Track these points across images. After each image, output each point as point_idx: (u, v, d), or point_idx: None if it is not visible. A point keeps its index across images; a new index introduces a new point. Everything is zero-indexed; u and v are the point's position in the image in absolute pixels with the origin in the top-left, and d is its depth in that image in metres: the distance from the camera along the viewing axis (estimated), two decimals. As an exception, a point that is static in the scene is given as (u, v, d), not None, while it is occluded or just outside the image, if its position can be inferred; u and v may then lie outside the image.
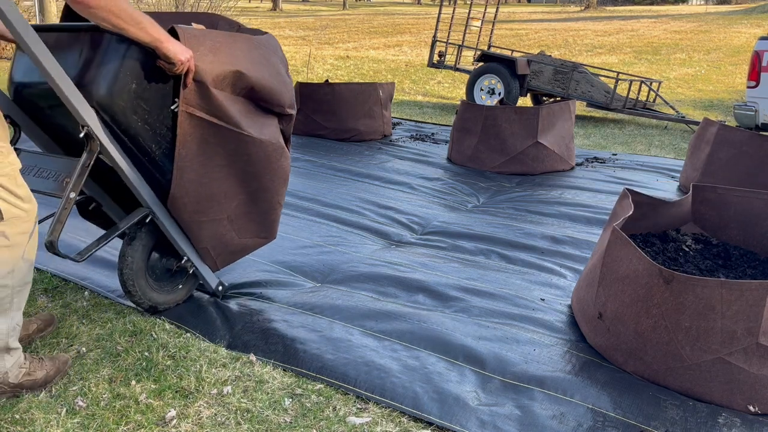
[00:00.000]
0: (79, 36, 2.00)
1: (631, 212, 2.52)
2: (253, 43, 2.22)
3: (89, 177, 2.21)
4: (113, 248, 3.15)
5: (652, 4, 38.83)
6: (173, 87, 2.06)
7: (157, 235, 2.34)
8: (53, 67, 1.79)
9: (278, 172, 2.39)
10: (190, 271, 2.44)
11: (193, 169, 2.15)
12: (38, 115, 2.19)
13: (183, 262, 2.40)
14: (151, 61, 1.96)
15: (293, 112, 2.41)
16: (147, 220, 2.20)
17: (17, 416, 1.86)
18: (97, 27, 1.85)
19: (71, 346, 2.25)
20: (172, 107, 2.07)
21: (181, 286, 2.52)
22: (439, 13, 9.98)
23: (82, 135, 1.90)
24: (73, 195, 1.91)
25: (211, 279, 2.54)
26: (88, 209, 2.47)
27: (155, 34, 1.88)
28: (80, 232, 3.26)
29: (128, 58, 1.94)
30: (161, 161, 2.13)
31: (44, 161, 2.11)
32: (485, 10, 10.21)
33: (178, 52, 1.93)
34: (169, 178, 2.15)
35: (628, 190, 2.69)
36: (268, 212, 2.50)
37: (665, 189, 4.84)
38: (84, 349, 2.23)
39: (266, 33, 2.36)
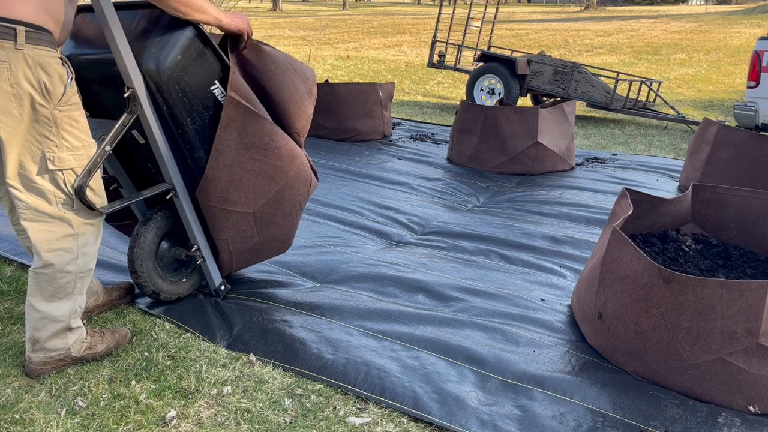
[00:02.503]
0: (138, 10, 2.22)
1: (630, 212, 2.52)
2: (291, 66, 2.42)
3: (116, 157, 2.45)
4: (112, 249, 3.15)
5: (652, 4, 38.84)
6: (215, 69, 2.25)
7: (172, 221, 2.44)
8: (118, 32, 2.00)
9: (301, 170, 2.53)
10: (198, 262, 2.47)
11: (229, 155, 2.29)
12: (80, 84, 2.34)
13: (192, 250, 2.43)
14: (199, 39, 2.17)
15: (300, 139, 2.54)
16: (167, 197, 2.30)
17: (17, 416, 1.86)
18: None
19: (71, 346, 2.25)
20: (212, 88, 2.25)
21: (185, 280, 2.55)
22: (439, 14, 9.98)
23: (126, 95, 2.06)
24: (108, 148, 2.03)
25: (216, 275, 2.54)
26: (108, 189, 2.55)
27: (216, 15, 2.15)
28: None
29: (179, 34, 2.13)
30: (192, 138, 2.25)
31: None
32: (485, 10, 10.21)
33: (232, 24, 2.20)
34: (197, 156, 2.28)
35: (627, 189, 2.69)
36: (290, 213, 2.58)
37: (665, 189, 4.84)
38: (84, 349, 2.23)
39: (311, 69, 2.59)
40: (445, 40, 9.57)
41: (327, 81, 6.73)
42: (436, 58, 9.52)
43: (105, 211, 2.04)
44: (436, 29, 9.66)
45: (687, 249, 2.78)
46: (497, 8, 10.39)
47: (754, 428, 1.91)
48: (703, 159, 4.63)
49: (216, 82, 2.26)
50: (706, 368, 2.00)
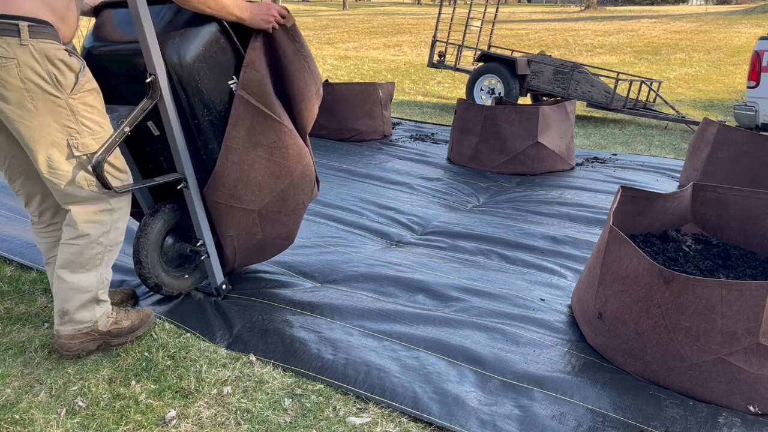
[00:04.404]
0: (164, 4, 2.28)
1: (617, 204, 2.52)
2: (307, 66, 2.46)
3: (128, 149, 2.50)
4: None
5: (652, 4, 38.85)
6: (234, 65, 2.32)
7: (179, 215, 2.48)
8: (145, 16, 2.06)
9: (306, 170, 2.57)
10: (202, 258, 2.48)
11: (237, 152, 2.34)
12: (100, 77, 2.41)
13: (197, 245, 2.45)
14: (222, 34, 2.25)
15: (303, 136, 2.59)
16: (178, 188, 2.34)
17: (17, 416, 1.86)
18: None
19: (71, 346, 2.25)
20: (229, 82, 2.32)
21: (187, 276, 2.57)
22: (439, 13, 9.98)
23: (148, 81, 2.12)
24: (127, 129, 2.08)
25: (218, 273, 2.55)
26: None
27: (238, 13, 2.23)
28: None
29: (203, 27, 2.22)
30: (207, 129, 2.30)
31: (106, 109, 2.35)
32: (485, 10, 10.21)
33: (254, 22, 2.26)
34: (210, 147, 2.33)
35: (622, 186, 2.69)
36: (294, 211, 2.62)
37: (665, 189, 4.84)
38: (84, 349, 2.23)
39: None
40: (445, 40, 9.57)
41: (327, 81, 6.73)
42: (436, 58, 9.51)
43: (119, 191, 2.08)
44: (436, 29, 9.65)
45: (687, 249, 2.78)
46: (497, 8, 10.39)
47: (754, 428, 1.91)
48: (703, 159, 4.63)
49: (234, 77, 2.33)
50: (706, 368, 2.00)
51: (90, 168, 1.98)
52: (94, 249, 2.06)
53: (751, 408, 1.98)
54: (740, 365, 1.96)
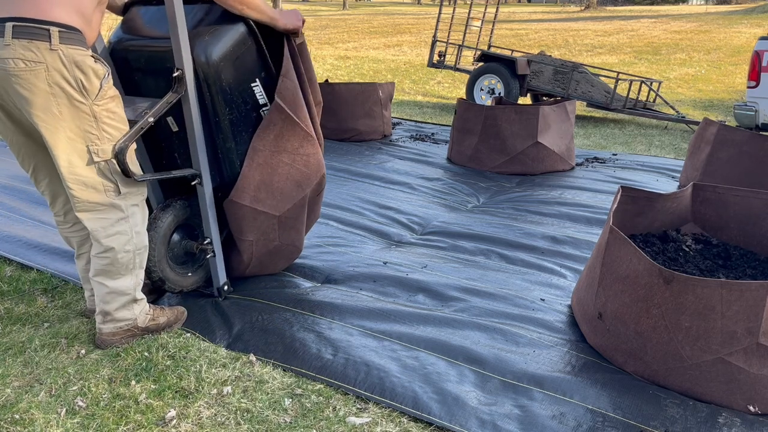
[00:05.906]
0: (195, 5, 2.35)
1: (617, 205, 2.53)
2: (312, 79, 2.55)
3: (144, 146, 2.56)
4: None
5: (652, 4, 38.85)
6: (258, 67, 2.39)
7: (189, 212, 2.52)
8: (181, 18, 2.14)
9: (323, 182, 2.68)
10: (208, 256, 2.50)
11: (263, 155, 2.43)
12: (123, 71, 2.48)
13: (204, 243, 2.47)
14: (249, 36, 2.32)
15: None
16: (192, 183, 2.37)
17: (17, 416, 1.86)
18: None
19: (71, 346, 2.26)
20: (252, 84, 2.40)
21: (190, 274, 2.60)
22: (439, 13, 9.97)
23: (175, 75, 2.18)
24: (151, 120, 2.14)
25: (221, 274, 2.56)
26: None
27: (272, 14, 2.31)
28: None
29: (231, 28, 2.28)
30: (226, 128, 2.37)
31: (127, 100, 2.39)
32: (485, 10, 10.20)
33: (288, 24, 2.36)
34: (228, 146, 2.38)
35: (622, 186, 2.69)
36: (310, 220, 2.71)
37: (665, 189, 4.84)
38: (84, 350, 2.23)
39: None
40: (445, 40, 9.57)
41: (327, 81, 6.73)
42: (436, 58, 9.51)
43: (138, 179, 2.11)
44: (436, 29, 9.65)
45: (687, 249, 2.78)
46: (497, 8, 10.38)
47: (754, 428, 1.91)
48: (703, 159, 4.63)
49: (257, 79, 2.38)
50: (706, 368, 2.00)
51: (109, 174, 2.03)
52: (123, 257, 2.13)
53: (751, 408, 1.99)
54: (740, 365, 1.96)
